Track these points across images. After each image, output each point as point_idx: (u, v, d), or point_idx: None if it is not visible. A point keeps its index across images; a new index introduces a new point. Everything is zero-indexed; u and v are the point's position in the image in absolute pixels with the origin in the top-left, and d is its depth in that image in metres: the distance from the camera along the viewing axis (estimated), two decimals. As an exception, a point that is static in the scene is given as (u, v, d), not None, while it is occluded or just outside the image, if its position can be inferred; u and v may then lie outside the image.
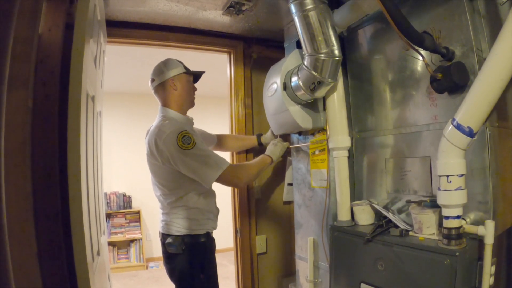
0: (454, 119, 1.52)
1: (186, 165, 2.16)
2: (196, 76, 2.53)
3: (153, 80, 2.44)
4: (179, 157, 2.14)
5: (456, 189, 1.51)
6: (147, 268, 6.79)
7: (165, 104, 2.42)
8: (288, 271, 3.40)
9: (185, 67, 2.42)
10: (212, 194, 2.49)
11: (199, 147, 2.18)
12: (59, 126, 1.61)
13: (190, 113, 2.53)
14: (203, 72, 2.54)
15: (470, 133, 1.49)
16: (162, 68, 2.40)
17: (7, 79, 0.98)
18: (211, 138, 2.83)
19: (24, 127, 1.08)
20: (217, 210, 2.56)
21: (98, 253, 1.98)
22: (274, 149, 2.59)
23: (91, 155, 1.86)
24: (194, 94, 2.50)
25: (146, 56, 4.81)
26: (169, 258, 2.37)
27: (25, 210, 1.07)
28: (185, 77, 2.41)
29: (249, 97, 3.32)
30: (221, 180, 2.24)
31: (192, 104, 2.50)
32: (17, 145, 1.00)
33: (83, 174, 1.50)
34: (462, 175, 1.52)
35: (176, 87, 2.38)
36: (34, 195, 1.27)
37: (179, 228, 2.33)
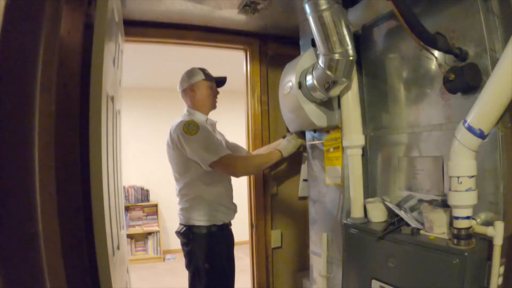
0: (465, 121, 1.53)
1: (189, 147, 2.44)
2: (220, 81, 2.83)
3: (179, 89, 2.76)
4: (184, 141, 2.43)
5: (466, 190, 1.52)
6: (164, 260, 6.88)
7: (189, 106, 2.75)
8: (302, 265, 3.44)
9: (206, 74, 2.72)
10: (222, 186, 2.65)
11: (202, 134, 2.45)
12: (80, 125, 1.66)
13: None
14: (225, 77, 2.81)
15: (481, 135, 1.50)
16: (184, 77, 2.73)
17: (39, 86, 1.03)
18: (242, 150, 3.03)
19: (47, 131, 1.13)
20: (233, 205, 2.73)
21: (118, 247, 2.04)
22: (287, 145, 2.71)
23: (111, 153, 1.91)
24: (216, 98, 2.81)
25: (163, 52, 4.86)
26: (182, 245, 2.62)
27: (50, 209, 1.12)
28: (204, 83, 2.70)
29: (265, 94, 3.35)
30: (218, 166, 2.46)
31: (212, 107, 2.78)
32: (43, 149, 1.05)
33: (104, 173, 1.56)
34: (472, 176, 1.53)
35: (195, 93, 2.69)
36: (58, 191, 1.31)
37: (186, 218, 2.57)
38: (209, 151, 2.43)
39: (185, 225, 2.58)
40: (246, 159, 2.66)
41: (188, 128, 2.44)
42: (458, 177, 1.54)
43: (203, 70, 2.72)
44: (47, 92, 1.22)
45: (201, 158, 2.43)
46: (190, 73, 2.71)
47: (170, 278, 5.90)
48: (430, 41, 1.64)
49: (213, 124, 2.80)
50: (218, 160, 2.41)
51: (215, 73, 2.80)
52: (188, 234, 2.55)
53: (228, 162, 2.47)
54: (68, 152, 1.52)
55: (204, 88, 2.70)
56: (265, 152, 2.78)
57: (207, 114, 2.75)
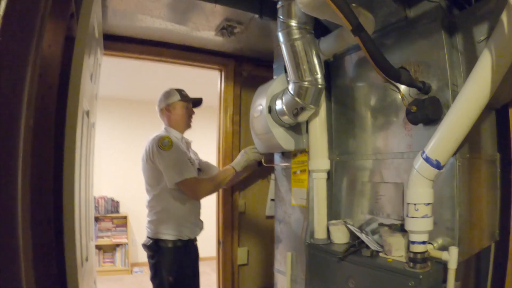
0: (423, 152, 1.62)
1: (160, 162, 2.55)
2: (196, 102, 2.96)
3: (157, 108, 2.88)
4: (156, 155, 2.55)
5: (422, 217, 1.60)
6: (131, 272, 6.83)
7: (166, 124, 2.87)
8: (267, 283, 3.44)
9: (182, 95, 2.85)
10: (190, 202, 2.72)
11: (174, 152, 2.58)
12: (55, 136, 1.69)
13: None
14: (201, 99, 2.92)
15: (437, 166, 1.59)
16: (161, 97, 2.86)
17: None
18: (214, 169, 3.09)
19: (27, 145, 1.16)
20: (199, 222, 2.82)
21: (87, 259, 2.06)
22: (239, 160, 2.88)
23: (84, 165, 1.94)
24: (191, 118, 2.94)
25: (141, 67, 4.88)
26: (148, 258, 2.69)
27: (25, 222, 1.15)
28: (180, 103, 2.84)
29: (237, 114, 3.42)
30: (181, 186, 2.58)
31: (187, 126, 2.89)
32: (23, 164, 1.09)
33: (77, 188, 1.60)
34: (429, 203, 1.61)
35: (171, 112, 2.83)
36: (31, 203, 1.34)
37: (153, 231, 2.63)
38: (175, 170, 2.54)
39: (151, 238, 2.64)
40: (206, 184, 2.73)
41: (162, 143, 2.56)
42: (415, 204, 1.62)
43: (180, 91, 2.85)
44: (28, 107, 1.25)
45: (167, 176, 2.53)
46: (167, 94, 2.84)
47: (137, 292, 5.85)
48: (394, 75, 1.71)
49: (188, 143, 2.91)
50: (181, 181, 2.53)
51: (190, 89, 2.90)
52: (154, 247, 2.62)
53: (189, 184, 2.59)
54: (42, 164, 1.55)
55: (179, 108, 2.83)
56: (221, 170, 2.94)
57: (182, 132, 2.86)
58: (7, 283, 0.99)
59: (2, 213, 0.97)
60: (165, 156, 2.54)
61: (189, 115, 2.91)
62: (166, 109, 2.82)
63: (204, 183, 2.71)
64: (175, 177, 2.52)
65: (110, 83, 5.88)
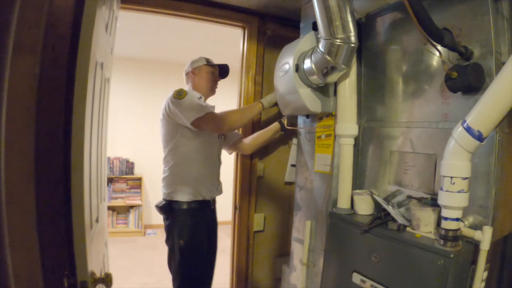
0: (464, 121, 1.49)
1: (177, 109, 2.54)
2: (223, 71, 2.98)
3: (184, 73, 2.95)
4: (172, 105, 2.56)
5: (458, 191, 1.49)
6: (144, 234, 6.89)
7: (189, 87, 2.90)
8: (283, 251, 3.43)
9: (208, 61, 2.89)
10: (207, 159, 2.71)
11: (189, 98, 2.59)
12: (66, 90, 1.60)
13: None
14: (226, 66, 2.94)
15: (479, 137, 1.46)
16: (188, 64, 2.91)
17: (12, 46, 0.96)
18: (236, 134, 3.09)
19: (29, 93, 1.07)
20: (217, 182, 2.80)
21: (97, 220, 1.99)
22: (268, 96, 2.78)
23: (96, 121, 1.85)
24: (216, 83, 2.96)
25: (159, 24, 4.78)
26: (164, 220, 2.69)
27: (26, 176, 1.08)
28: (205, 68, 2.87)
29: (260, 75, 3.30)
30: (203, 121, 2.53)
31: (211, 91, 2.93)
32: (21, 112, 1.00)
33: (87, 143, 1.50)
34: (466, 178, 1.49)
35: (195, 75, 2.86)
36: (37, 160, 1.26)
37: (168, 192, 2.62)
38: (195, 109, 2.53)
39: (165, 200, 2.62)
40: (228, 115, 2.67)
41: (178, 94, 2.58)
42: (451, 178, 1.50)
43: (207, 59, 2.89)
44: (32, 53, 1.16)
45: (187, 116, 2.52)
46: (195, 60, 2.89)
47: (149, 253, 5.91)
48: (437, 36, 1.59)
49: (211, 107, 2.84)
50: (203, 116, 2.50)
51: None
52: (167, 209, 2.60)
53: (212, 117, 2.57)
54: (52, 117, 1.47)
55: (204, 72, 2.85)
56: (247, 105, 2.99)
57: (205, 97, 2.85)
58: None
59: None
60: (181, 102, 2.54)
61: (214, 80, 2.92)
62: (192, 72, 2.86)
63: (229, 113, 2.66)
64: (195, 114, 2.49)
65: (127, 43, 5.80)
